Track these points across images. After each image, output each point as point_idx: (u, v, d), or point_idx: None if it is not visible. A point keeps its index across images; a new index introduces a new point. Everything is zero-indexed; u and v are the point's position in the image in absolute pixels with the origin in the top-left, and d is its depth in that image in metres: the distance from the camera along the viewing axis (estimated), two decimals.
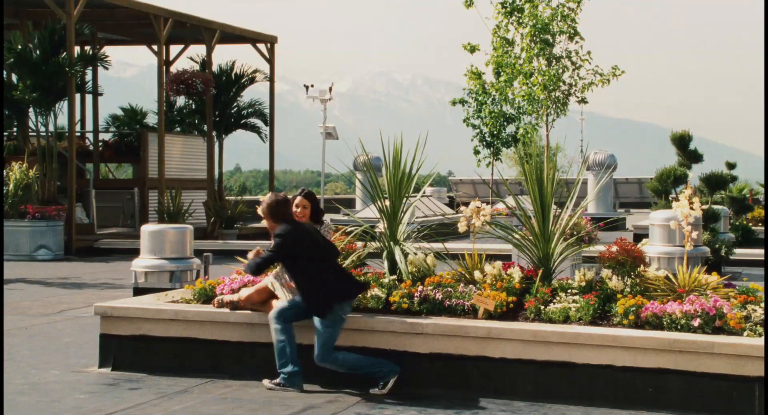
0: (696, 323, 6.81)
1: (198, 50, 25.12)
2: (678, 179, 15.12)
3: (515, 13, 19.73)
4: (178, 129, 24.94)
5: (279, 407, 6.76)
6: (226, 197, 24.91)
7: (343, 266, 8.06)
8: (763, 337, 6.61)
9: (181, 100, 24.62)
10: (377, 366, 7.20)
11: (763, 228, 19.59)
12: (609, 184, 29.58)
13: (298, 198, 8.02)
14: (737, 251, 15.60)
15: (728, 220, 16.39)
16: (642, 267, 7.63)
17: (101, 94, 24.81)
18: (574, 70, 19.80)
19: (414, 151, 8.24)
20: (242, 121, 25.60)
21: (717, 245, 14.61)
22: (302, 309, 7.30)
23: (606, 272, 7.59)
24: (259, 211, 7.53)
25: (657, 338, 6.74)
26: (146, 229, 10.99)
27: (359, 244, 8.43)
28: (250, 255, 7.50)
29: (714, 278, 7.50)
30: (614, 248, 7.66)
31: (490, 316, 7.36)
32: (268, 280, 7.68)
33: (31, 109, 19.97)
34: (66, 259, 18.46)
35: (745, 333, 6.72)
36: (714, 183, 15.96)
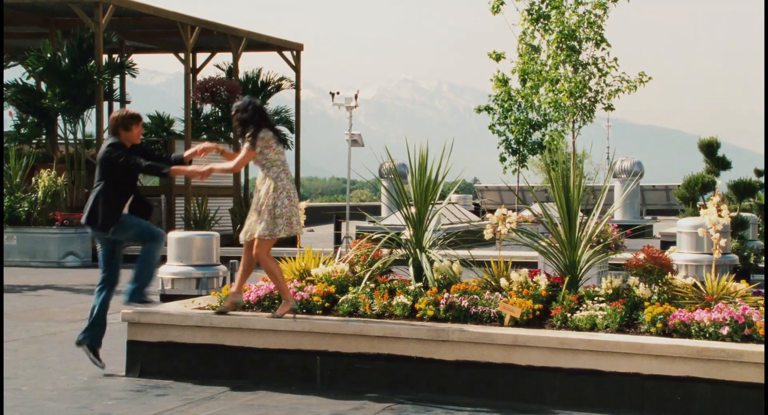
0: (725, 331, 6.76)
1: (224, 58, 25.26)
2: (706, 186, 15.01)
3: (541, 19, 19.71)
4: (205, 136, 25.06)
5: (305, 414, 6.77)
6: None
7: (369, 272, 8.09)
8: None
9: (207, 108, 24.76)
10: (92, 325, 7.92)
11: None
12: (636, 192, 29.42)
13: None
14: (765, 258, 15.44)
15: (757, 227, 16.24)
16: (669, 275, 7.59)
17: (129, 102, 24.98)
18: (600, 76, 19.73)
19: (440, 158, 8.25)
20: None
21: (745, 253, 14.48)
22: None
23: (633, 280, 7.55)
24: None
25: (685, 346, 6.70)
26: (173, 236, 11.05)
27: (385, 251, 8.43)
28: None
29: (743, 286, 7.44)
30: (641, 256, 7.63)
31: (516, 323, 7.34)
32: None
33: (59, 117, 20.15)
34: (94, 265, 18.56)
35: None
36: (742, 190, 15.82)
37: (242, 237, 7.93)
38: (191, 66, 24.40)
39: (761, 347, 6.57)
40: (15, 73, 24.97)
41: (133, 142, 8.03)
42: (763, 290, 7.84)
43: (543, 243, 8.03)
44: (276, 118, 25.73)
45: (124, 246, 8.34)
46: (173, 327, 7.92)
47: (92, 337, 8.04)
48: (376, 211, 32.07)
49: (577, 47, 19.46)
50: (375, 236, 8.47)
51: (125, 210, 8.10)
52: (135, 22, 22.65)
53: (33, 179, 19.03)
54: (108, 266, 8.23)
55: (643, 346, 6.78)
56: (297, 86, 26.07)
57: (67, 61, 19.54)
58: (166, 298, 10.50)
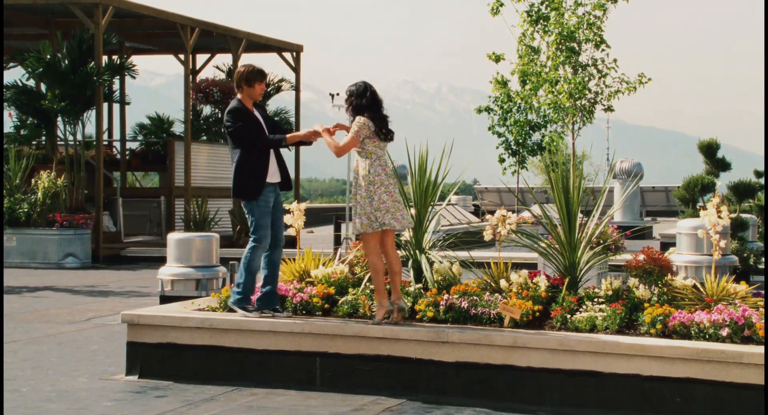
0: (724, 332, 6.75)
1: (224, 59, 25.28)
2: (705, 188, 15.00)
3: (541, 21, 19.71)
4: (205, 138, 25.07)
5: None
6: None
7: (369, 274, 8.08)
8: None
9: (207, 109, 24.76)
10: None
11: None
12: (635, 193, 29.39)
13: None
14: (765, 259, 15.42)
15: (756, 228, 16.23)
16: (669, 276, 7.58)
17: (128, 103, 24.98)
18: (600, 78, 19.74)
19: (439, 159, 8.24)
20: None
21: (745, 254, 14.47)
22: None
23: (633, 281, 7.55)
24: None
25: (685, 347, 6.69)
26: (173, 237, 11.05)
27: None
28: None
29: (742, 287, 7.44)
30: (641, 257, 7.62)
31: (516, 325, 7.34)
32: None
33: (59, 118, 20.15)
34: (93, 267, 18.59)
35: None
36: (742, 191, 15.82)
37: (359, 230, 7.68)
38: (191, 67, 24.40)
39: (761, 349, 6.56)
40: (15, 75, 24.96)
41: (256, 99, 8.01)
42: (762, 292, 7.84)
43: (543, 244, 8.03)
44: (276, 119, 25.75)
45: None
46: (173, 328, 7.92)
47: (268, 300, 7.88)
48: None
49: (577, 48, 19.47)
50: None
51: (276, 178, 7.93)
52: (135, 23, 22.65)
53: (33, 181, 19.01)
54: (271, 230, 7.97)
55: (642, 347, 6.78)
56: (297, 87, 26.07)
57: (66, 62, 19.53)
58: (165, 299, 10.49)
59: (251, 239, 7.91)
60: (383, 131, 7.65)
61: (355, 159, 7.74)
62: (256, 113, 8.00)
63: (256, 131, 7.88)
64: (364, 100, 7.65)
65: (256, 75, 7.97)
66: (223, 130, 8.06)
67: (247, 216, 7.97)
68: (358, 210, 7.62)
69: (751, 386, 6.51)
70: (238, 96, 8.01)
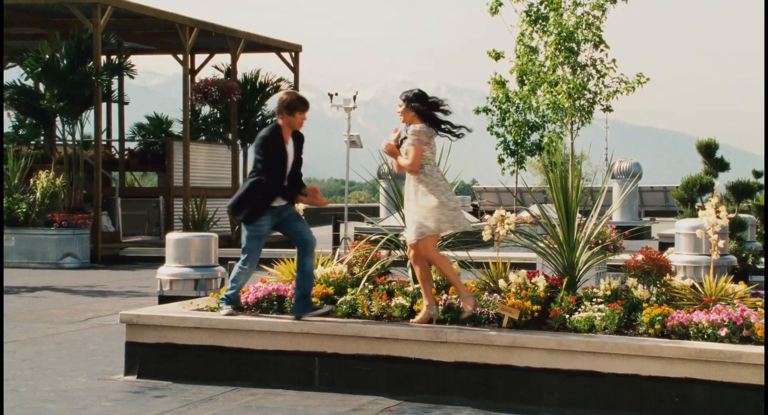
0: (723, 332, 6.76)
1: (223, 59, 25.26)
2: (704, 188, 15.02)
3: (540, 21, 19.71)
4: (203, 138, 25.06)
5: None
6: None
7: (368, 273, 8.07)
8: None
9: (206, 109, 24.75)
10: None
11: None
12: (634, 193, 29.40)
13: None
14: (764, 259, 15.43)
15: (755, 228, 16.24)
16: (668, 276, 7.59)
17: (127, 103, 24.97)
18: (598, 78, 19.74)
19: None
20: None
21: (744, 254, 14.48)
22: None
23: (631, 281, 7.55)
24: None
25: (683, 347, 6.70)
26: (171, 237, 11.05)
27: (383, 252, 8.43)
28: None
29: (741, 287, 7.44)
30: (640, 257, 7.63)
31: (514, 325, 7.34)
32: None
33: (58, 118, 20.14)
34: (92, 267, 18.58)
35: None
36: (741, 191, 15.83)
37: (413, 238, 7.48)
38: (189, 67, 24.39)
39: (760, 349, 6.57)
40: (13, 75, 24.98)
41: (295, 128, 7.91)
42: (761, 291, 7.84)
43: (541, 244, 8.03)
44: (274, 119, 25.75)
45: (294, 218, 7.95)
46: (171, 328, 7.92)
47: (301, 307, 7.73)
48: (374, 212, 32.05)
49: (576, 49, 19.47)
50: (373, 238, 8.47)
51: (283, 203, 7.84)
52: (133, 23, 22.64)
53: (31, 181, 19.01)
54: (292, 238, 7.93)
55: (641, 347, 6.78)
56: (295, 87, 26.06)
57: (65, 62, 19.52)
58: (164, 299, 10.49)
59: (241, 258, 7.93)
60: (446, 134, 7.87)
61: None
62: (290, 145, 7.87)
63: (274, 167, 7.75)
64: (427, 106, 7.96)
65: (298, 104, 7.84)
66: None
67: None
68: (436, 213, 7.46)
69: (749, 386, 6.52)
70: (279, 122, 7.89)
